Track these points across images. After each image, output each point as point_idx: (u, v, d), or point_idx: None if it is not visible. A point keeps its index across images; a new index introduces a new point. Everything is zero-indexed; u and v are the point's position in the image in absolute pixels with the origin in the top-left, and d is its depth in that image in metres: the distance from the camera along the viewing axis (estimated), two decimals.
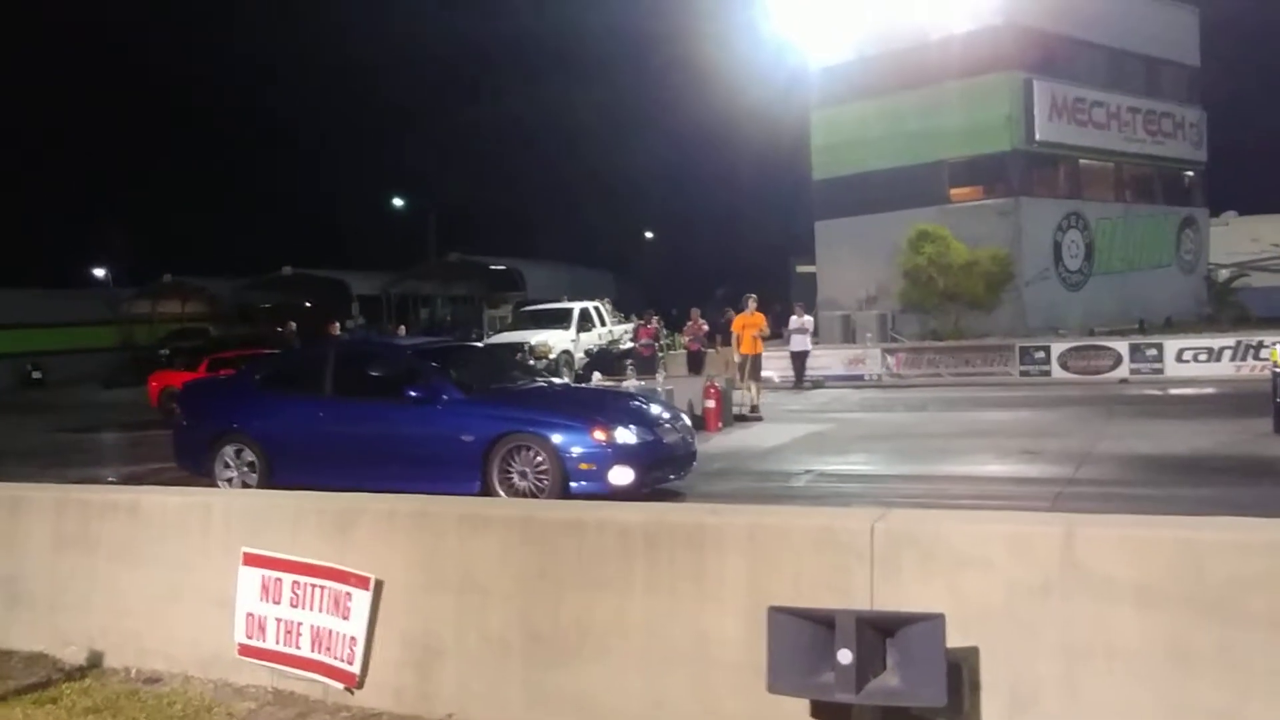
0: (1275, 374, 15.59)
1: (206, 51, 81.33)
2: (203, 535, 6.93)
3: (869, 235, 37.62)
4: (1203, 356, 25.70)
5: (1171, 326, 34.37)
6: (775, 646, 4.51)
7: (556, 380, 16.90)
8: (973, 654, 4.62)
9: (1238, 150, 45.65)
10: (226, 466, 13.02)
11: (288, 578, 6.32)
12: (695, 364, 26.56)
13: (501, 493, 11.38)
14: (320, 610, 6.20)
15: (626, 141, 75.51)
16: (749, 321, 21.56)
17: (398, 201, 64.48)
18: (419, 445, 11.95)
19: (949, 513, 5.89)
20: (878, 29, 37.95)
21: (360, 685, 6.10)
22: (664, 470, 12.20)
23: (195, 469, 13.55)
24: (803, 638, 4.46)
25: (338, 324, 32.08)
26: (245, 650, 6.47)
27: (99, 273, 62.95)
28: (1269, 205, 46.83)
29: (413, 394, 12.09)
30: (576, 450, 11.38)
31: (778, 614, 4.53)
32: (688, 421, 13.64)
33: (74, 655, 7.18)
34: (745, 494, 12.56)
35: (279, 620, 6.34)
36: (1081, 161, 39.61)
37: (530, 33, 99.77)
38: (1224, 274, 44.58)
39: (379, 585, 6.07)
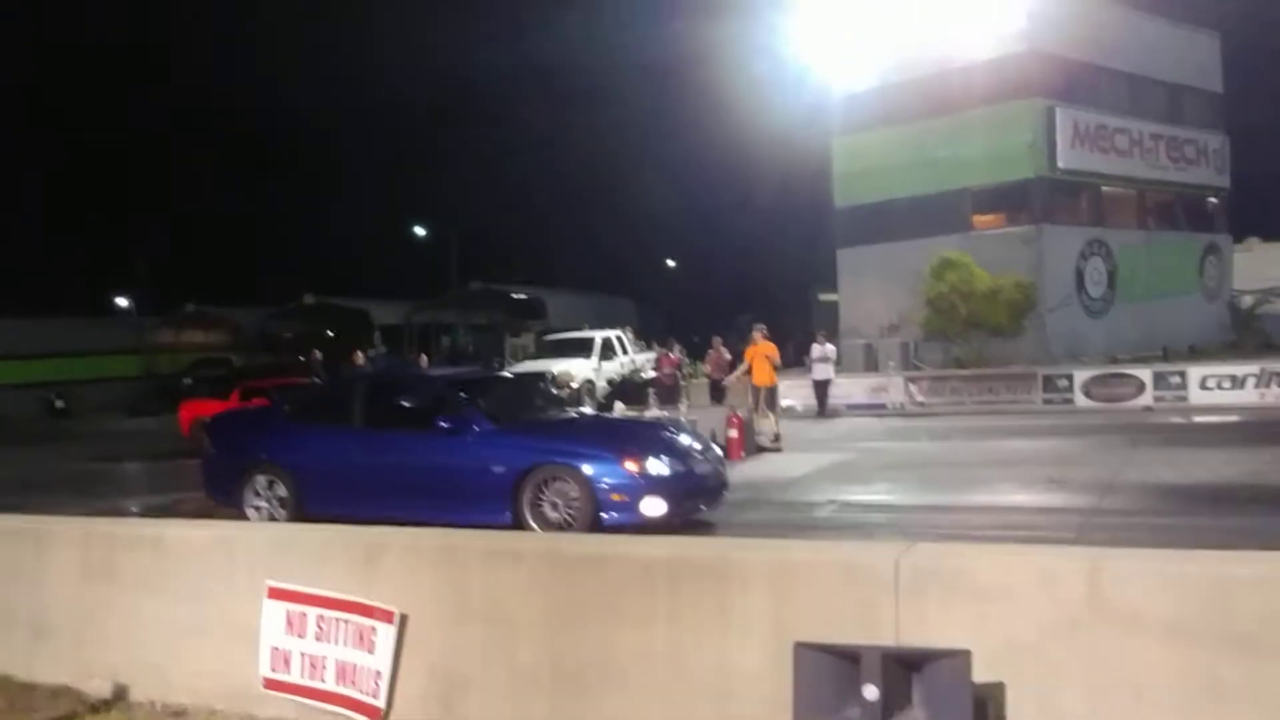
0: None
1: (230, 84, 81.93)
2: (228, 568, 6.94)
3: (891, 263, 37.60)
4: (1226, 384, 25.55)
5: (1195, 353, 34.19)
6: (801, 682, 4.49)
7: (586, 411, 16.88)
8: (999, 690, 4.59)
9: (1261, 176, 45.48)
10: (256, 496, 13.02)
11: (312, 611, 6.33)
12: (717, 393, 26.54)
13: (533, 524, 11.33)
14: (345, 644, 6.20)
15: (649, 169, 75.69)
16: (759, 351, 21.58)
17: (419, 230, 64.77)
18: (450, 476, 11.91)
19: (974, 546, 5.88)
20: (900, 56, 37.99)
21: (385, 718, 6.09)
22: (695, 501, 12.16)
23: (225, 500, 13.56)
24: (828, 673, 4.44)
25: (360, 353, 32.15)
26: (270, 684, 6.47)
27: (122, 302, 63.36)
28: None
29: (444, 425, 12.08)
30: (608, 481, 11.31)
31: (803, 649, 4.51)
32: (719, 452, 13.61)
33: (99, 688, 7.17)
34: (769, 524, 12.51)
35: (304, 654, 6.34)
36: (1104, 188, 39.56)
37: (553, 61, 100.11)
38: (1247, 300, 44.30)
39: (404, 619, 6.06)
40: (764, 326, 22.19)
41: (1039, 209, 36.94)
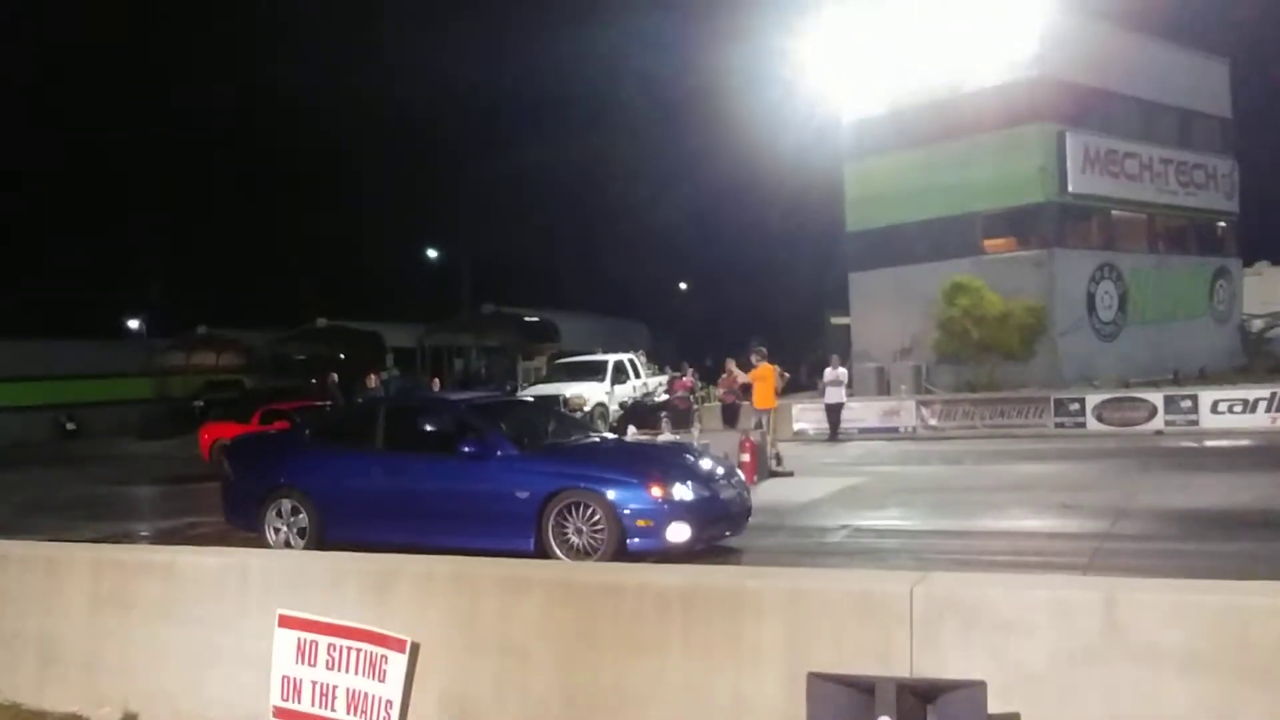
0: None
1: (244, 107, 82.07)
2: (240, 596, 6.93)
3: (903, 287, 37.61)
4: (1238, 408, 25.43)
5: (1206, 377, 34.04)
6: (815, 713, 4.47)
7: (609, 435, 16.81)
8: None
9: (1270, 200, 45.53)
10: (278, 518, 13.01)
11: (323, 640, 6.31)
12: (730, 417, 26.50)
13: (557, 550, 11.26)
14: (356, 673, 6.18)
15: (661, 193, 75.61)
16: (758, 374, 21.61)
17: (431, 253, 64.83)
18: (473, 501, 11.87)
19: (989, 576, 5.87)
20: (911, 82, 37.97)
21: None
22: (720, 527, 12.07)
23: (245, 525, 13.56)
24: (843, 704, 4.41)
25: (374, 376, 32.22)
26: (280, 713, 6.45)
27: (133, 324, 63.46)
28: None
29: (467, 449, 12.04)
30: (633, 507, 11.22)
31: (817, 680, 4.49)
32: (742, 477, 13.54)
33: (109, 716, 7.17)
34: (782, 550, 12.47)
35: (314, 683, 6.32)
36: (1114, 213, 39.47)
37: (565, 85, 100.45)
38: (1258, 324, 44.30)
39: (415, 648, 6.05)
40: (764, 349, 22.21)
41: (1050, 233, 36.88)
